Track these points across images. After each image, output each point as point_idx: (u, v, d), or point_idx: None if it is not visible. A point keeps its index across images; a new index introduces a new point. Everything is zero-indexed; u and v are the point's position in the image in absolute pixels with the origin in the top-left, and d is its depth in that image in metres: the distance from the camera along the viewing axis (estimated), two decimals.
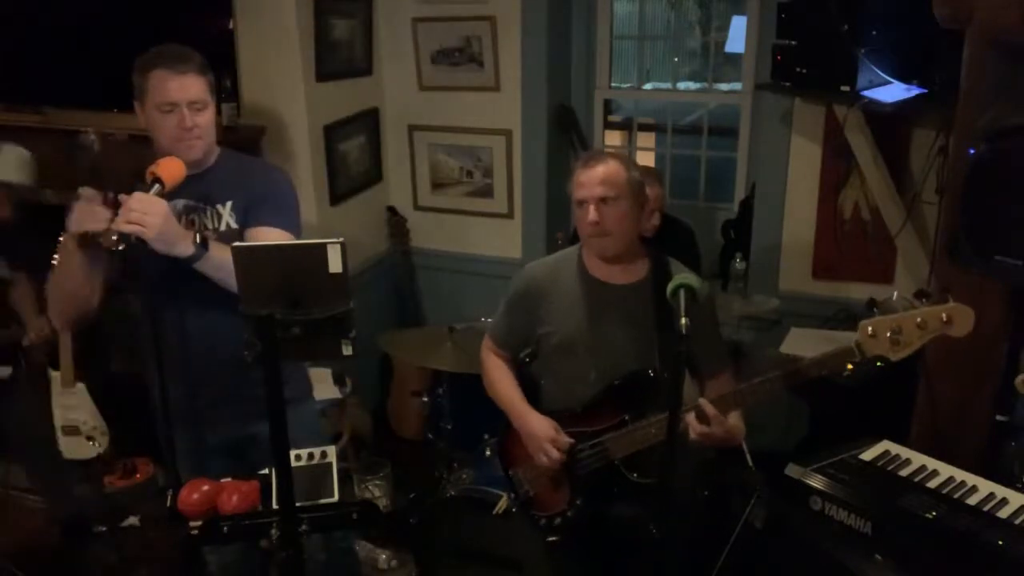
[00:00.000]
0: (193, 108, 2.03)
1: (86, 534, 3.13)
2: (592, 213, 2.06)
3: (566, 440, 2.14)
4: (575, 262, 2.24)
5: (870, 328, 1.76)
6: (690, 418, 1.91)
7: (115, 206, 1.89)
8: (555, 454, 2.13)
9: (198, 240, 1.94)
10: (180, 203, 2.10)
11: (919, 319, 1.71)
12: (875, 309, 1.78)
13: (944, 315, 1.70)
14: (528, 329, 2.28)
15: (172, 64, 2.02)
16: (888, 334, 1.74)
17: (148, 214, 1.81)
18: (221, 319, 2.04)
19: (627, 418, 2.10)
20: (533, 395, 2.30)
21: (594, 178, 2.07)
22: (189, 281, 1.99)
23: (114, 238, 1.78)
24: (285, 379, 2.21)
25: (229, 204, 2.13)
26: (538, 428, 2.18)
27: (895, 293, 1.81)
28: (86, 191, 1.93)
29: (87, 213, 1.91)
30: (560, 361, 2.23)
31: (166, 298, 2.07)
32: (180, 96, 2.01)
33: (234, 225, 2.12)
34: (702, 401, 1.92)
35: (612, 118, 4.18)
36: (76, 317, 2.16)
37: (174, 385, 2.02)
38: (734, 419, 1.98)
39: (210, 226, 2.11)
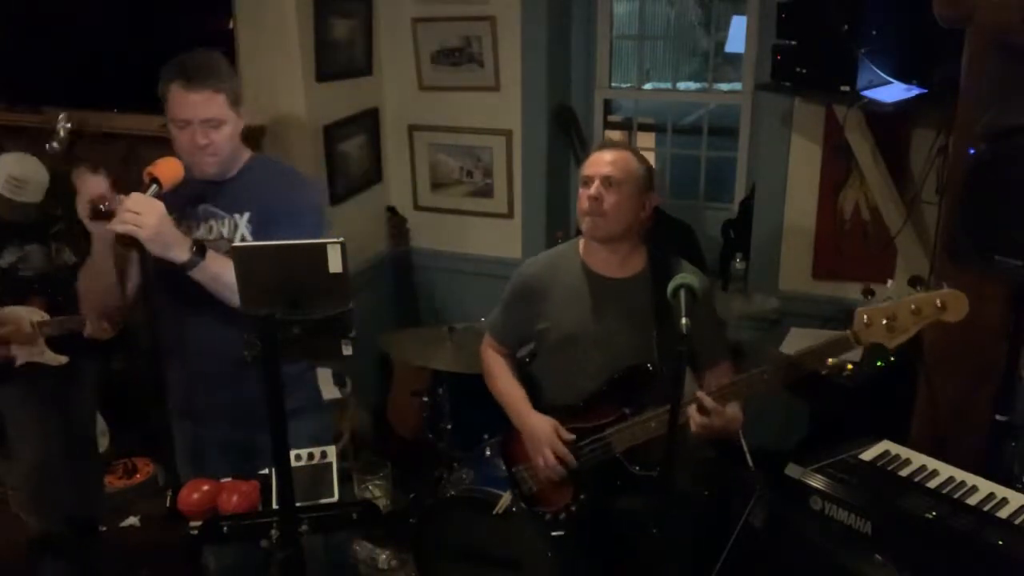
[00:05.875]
0: (207, 125, 1.99)
1: (91, 533, 3.13)
2: (594, 188, 2.10)
3: (564, 448, 2.15)
4: (574, 257, 2.26)
5: (866, 316, 1.77)
6: (691, 410, 1.93)
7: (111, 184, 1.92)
8: (552, 460, 2.15)
9: (195, 248, 1.91)
10: (201, 208, 2.09)
11: (913, 306, 1.73)
12: (870, 298, 1.79)
13: (938, 301, 1.71)
14: (527, 325, 2.29)
15: (189, 79, 1.97)
16: (883, 321, 1.75)
17: (143, 214, 1.80)
18: (223, 321, 2.05)
19: (627, 412, 2.11)
20: (534, 393, 2.31)
21: (604, 158, 2.14)
22: (192, 283, 1.97)
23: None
24: (290, 388, 2.27)
25: (247, 215, 2.10)
26: (538, 430, 2.19)
27: (889, 282, 1.82)
28: (75, 171, 1.95)
29: (83, 187, 1.93)
30: (560, 356, 2.24)
31: (169, 298, 2.07)
32: (192, 114, 1.97)
33: (248, 237, 2.08)
34: (700, 394, 1.94)
35: (612, 118, 4.17)
36: (106, 310, 2.21)
37: (178, 387, 2.02)
38: (732, 409, 2.00)
39: (226, 235, 2.09)
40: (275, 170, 2.23)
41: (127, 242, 1.85)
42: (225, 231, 2.10)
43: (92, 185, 1.93)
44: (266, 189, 2.12)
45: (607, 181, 2.10)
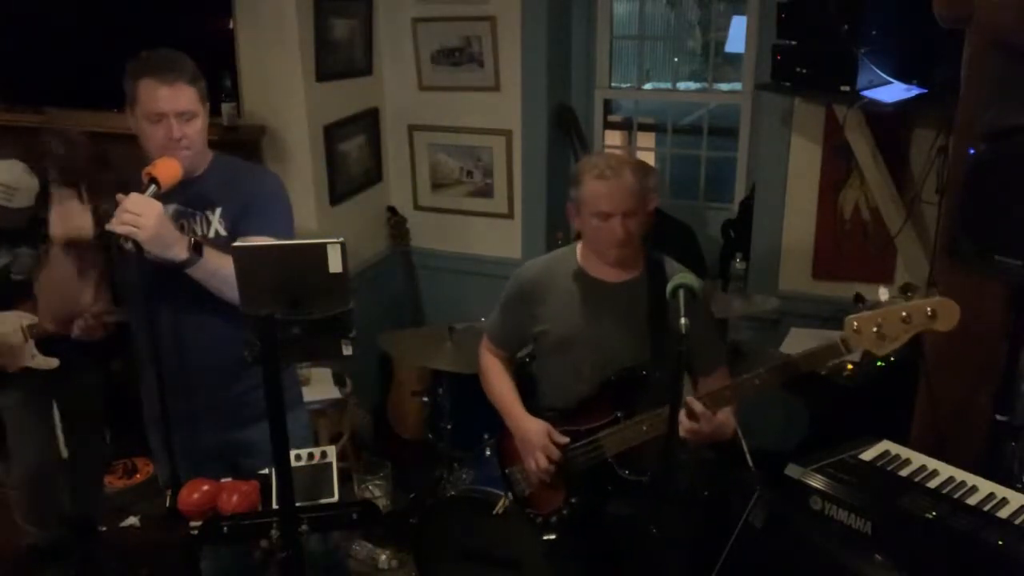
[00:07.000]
0: (182, 119, 2.00)
1: (91, 534, 3.13)
2: (620, 229, 2.04)
3: (556, 450, 2.15)
4: (571, 261, 2.25)
5: (855, 323, 1.76)
6: (680, 416, 1.92)
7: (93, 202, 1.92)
8: (544, 463, 2.15)
9: (193, 245, 1.92)
10: (171, 208, 2.08)
11: (904, 313, 1.71)
12: (861, 304, 1.78)
13: (929, 309, 1.69)
14: (525, 328, 2.29)
15: (162, 73, 1.98)
16: (873, 329, 1.74)
17: (142, 215, 1.80)
18: (211, 323, 2.06)
19: (619, 415, 2.10)
20: (532, 394, 2.31)
21: (620, 192, 2.04)
22: (179, 285, 1.98)
23: (122, 242, 1.78)
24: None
25: (219, 211, 2.11)
26: (531, 433, 2.19)
27: (881, 288, 1.81)
28: (60, 193, 1.95)
29: (66, 214, 1.93)
30: (556, 359, 2.24)
31: (156, 301, 2.07)
32: (169, 107, 1.98)
33: (223, 232, 2.09)
34: (689, 399, 1.93)
35: (612, 118, 4.18)
36: (66, 317, 2.20)
37: (173, 389, 2.02)
38: (723, 415, 1.99)
39: (199, 232, 2.09)
40: (239, 165, 2.27)
41: (74, 243, 1.87)
42: (199, 229, 2.10)
43: (75, 216, 1.95)
44: (235, 184, 2.14)
45: (627, 214, 2.05)
